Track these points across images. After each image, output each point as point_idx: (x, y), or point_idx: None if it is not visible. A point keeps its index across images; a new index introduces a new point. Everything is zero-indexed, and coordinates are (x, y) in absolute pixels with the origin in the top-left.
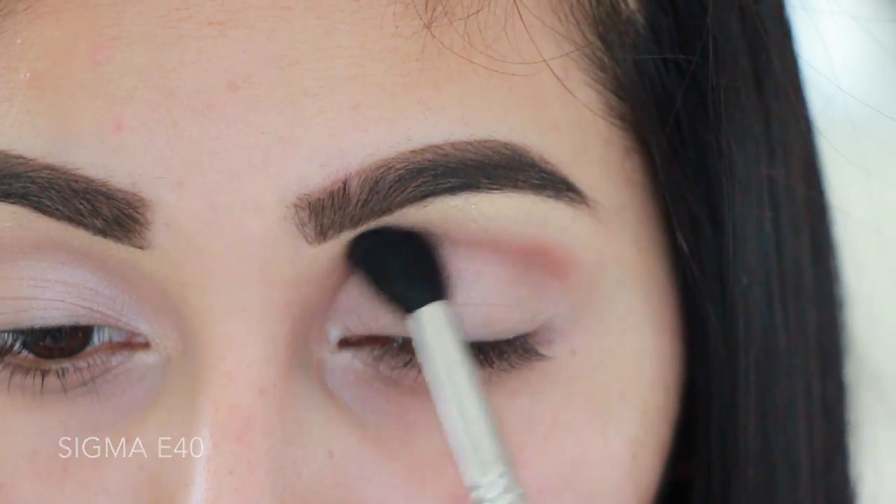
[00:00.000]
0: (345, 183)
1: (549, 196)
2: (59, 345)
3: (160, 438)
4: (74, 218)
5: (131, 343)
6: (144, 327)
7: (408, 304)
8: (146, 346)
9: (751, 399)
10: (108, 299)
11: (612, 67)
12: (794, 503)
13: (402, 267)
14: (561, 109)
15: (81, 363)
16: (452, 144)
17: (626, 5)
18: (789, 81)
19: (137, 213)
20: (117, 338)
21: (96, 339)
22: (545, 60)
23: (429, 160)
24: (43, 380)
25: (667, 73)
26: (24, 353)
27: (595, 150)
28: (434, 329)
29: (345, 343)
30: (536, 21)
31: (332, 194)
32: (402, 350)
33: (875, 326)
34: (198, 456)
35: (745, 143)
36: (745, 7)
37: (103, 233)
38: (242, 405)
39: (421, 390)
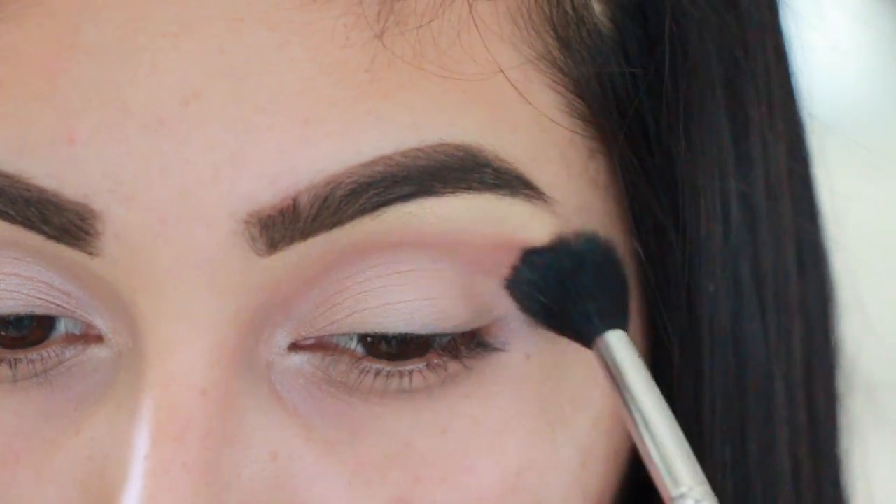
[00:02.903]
0: (294, 200)
1: (505, 194)
2: (21, 334)
3: (108, 432)
4: (26, 223)
5: (87, 336)
6: (98, 322)
7: (588, 336)
8: (100, 339)
9: (717, 407)
10: (63, 293)
11: (572, 70)
12: None
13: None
14: (519, 111)
15: (34, 355)
16: (402, 153)
17: (591, 11)
18: (769, 89)
19: (87, 223)
20: (74, 330)
21: (57, 332)
22: (502, 70)
23: (379, 172)
24: None
25: (632, 78)
26: None
27: (555, 150)
28: (622, 355)
29: (296, 347)
30: (493, 28)
31: (281, 211)
32: (354, 359)
33: (868, 333)
34: (136, 454)
35: (710, 153)
36: (722, 18)
37: (56, 238)
38: (182, 406)
39: (372, 394)
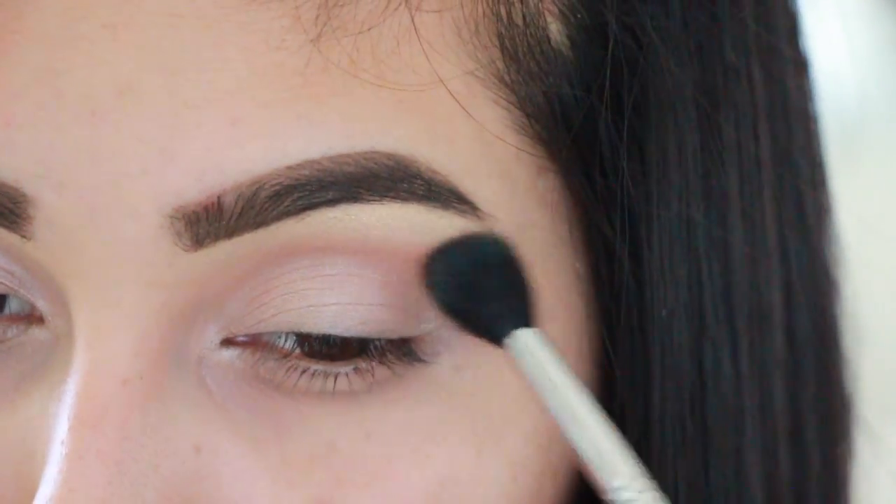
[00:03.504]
0: (219, 198)
1: (435, 206)
2: None
3: (40, 414)
4: None
5: (31, 316)
6: (40, 303)
7: (497, 333)
8: (41, 320)
9: (667, 435)
10: (7, 273)
11: (520, 88)
12: None
13: (480, 298)
14: (459, 123)
15: None
16: (330, 158)
17: (545, 29)
18: (765, 114)
19: (20, 207)
20: (20, 310)
21: (7, 310)
22: (441, 81)
23: (305, 175)
24: None
25: (586, 100)
26: None
27: (497, 165)
28: (539, 351)
29: (228, 343)
30: (435, 39)
31: (206, 208)
32: (284, 356)
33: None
34: (56, 438)
35: (672, 179)
36: (687, 47)
37: None
38: (101, 394)
39: (299, 394)
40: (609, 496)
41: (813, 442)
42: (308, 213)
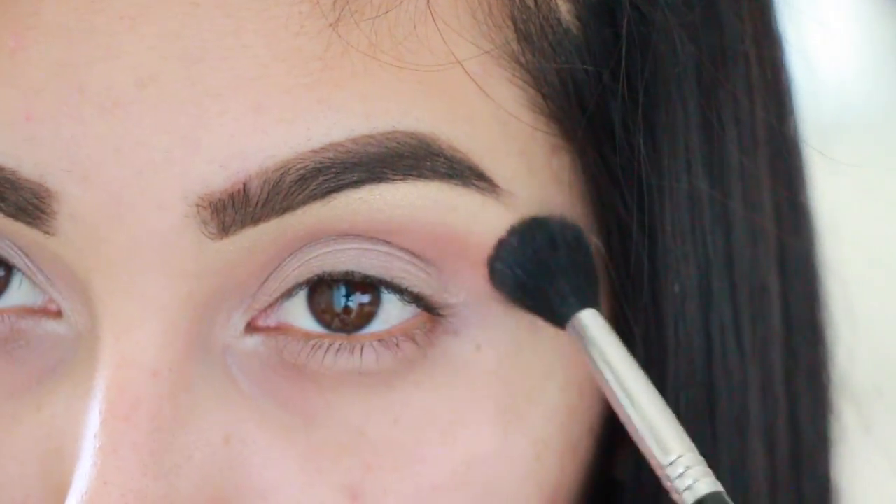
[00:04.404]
0: (245, 184)
1: (457, 184)
2: None
3: (66, 409)
4: None
5: (45, 309)
6: (58, 297)
7: (562, 314)
8: (58, 314)
9: (681, 409)
10: (25, 267)
11: (533, 66)
12: None
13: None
14: (477, 102)
15: None
16: (353, 140)
17: (556, 8)
18: (760, 96)
19: (43, 203)
20: (34, 300)
21: (15, 288)
22: (459, 61)
23: (329, 158)
24: None
25: (597, 78)
26: None
27: (515, 143)
28: (599, 332)
29: (251, 329)
30: (451, 20)
31: (232, 195)
32: (309, 339)
33: (857, 336)
34: (88, 432)
35: (679, 154)
36: (694, 26)
37: (13, 216)
38: (132, 387)
39: (324, 380)
40: (663, 472)
41: (806, 414)
42: (333, 195)
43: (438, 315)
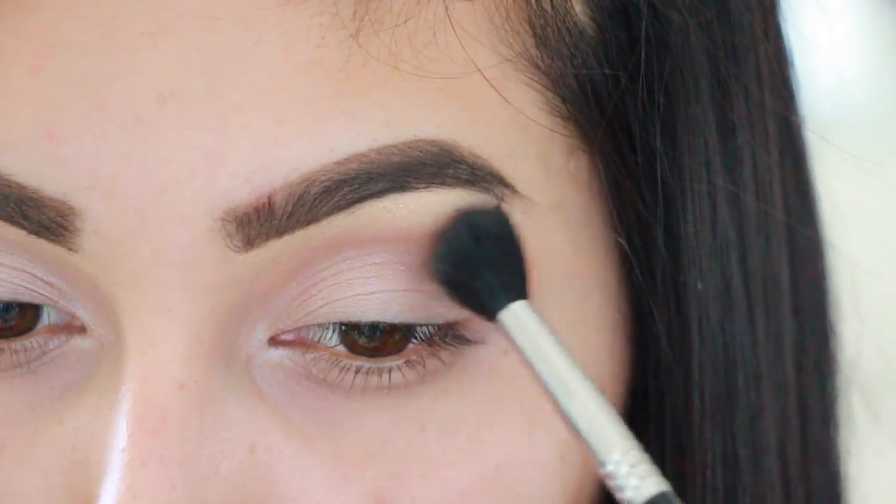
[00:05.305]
0: (269, 198)
1: (478, 191)
2: (6, 324)
3: (90, 422)
4: (6, 219)
5: (70, 326)
6: (81, 313)
7: (491, 307)
8: (83, 330)
9: (706, 403)
10: (47, 284)
11: (551, 69)
12: None
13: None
14: (496, 108)
15: (18, 346)
16: (376, 150)
17: (571, 10)
18: (769, 91)
19: (67, 220)
20: (58, 320)
21: (46, 319)
22: (479, 69)
23: (353, 169)
24: None
25: (613, 78)
26: None
27: (534, 147)
28: (532, 325)
29: (275, 342)
30: (469, 27)
31: (257, 209)
32: (334, 356)
33: (866, 332)
34: (115, 446)
35: (698, 151)
36: (707, 22)
37: (36, 233)
38: (159, 400)
39: (350, 390)
40: (604, 469)
41: (814, 403)
42: (357, 206)
43: (466, 340)
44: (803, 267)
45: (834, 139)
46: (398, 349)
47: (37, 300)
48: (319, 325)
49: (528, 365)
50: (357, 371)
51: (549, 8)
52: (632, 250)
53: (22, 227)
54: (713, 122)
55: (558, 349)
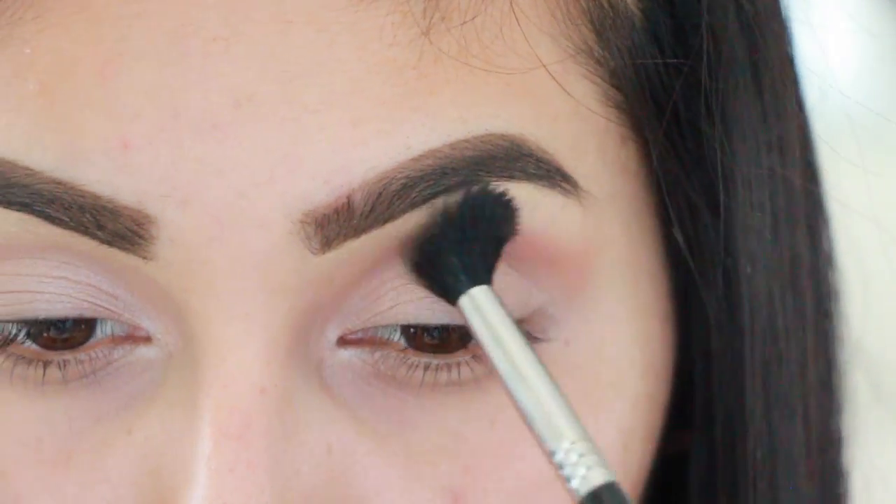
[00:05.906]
0: (348, 198)
1: (543, 185)
2: (63, 336)
3: (162, 431)
4: (79, 229)
5: (133, 336)
6: (146, 323)
7: (452, 292)
8: (148, 339)
9: (757, 383)
10: (110, 296)
11: (608, 61)
12: (794, 483)
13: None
14: (559, 101)
15: (83, 356)
16: (451, 145)
17: (623, 2)
18: (785, 77)
19: (142, 229)
20: (120, 331)
21: (100, 332)
22: (543, 64)
23: (429, 165)
24: (44, 371)
25: (664, 66)
26: (28, 343)
27: (592, 139)
28: (489, 310)
29: (343, 342)
30: (533, 22)
31: (336, 210)
32: (402, 353)
33: (870, 316)
34: (199, 454)
35: (744, 136)
36: (742, 5)
37: (108, 243)
38: (243, 405)
39: (420, 388)
40: (554, 458)
41: (825, 383)
42: (432, 201)
43: (528, 326)
44: (820, 251)
45: (832, 136)
46: (463, 344)
47: (99, 314)
48: (387, 326)
49: (484, 350)
50: (426, 368)
51: (605, 2)
52: (682, 236)
53: (95, 237)
54: (759, 108)
55: (515, 336)
